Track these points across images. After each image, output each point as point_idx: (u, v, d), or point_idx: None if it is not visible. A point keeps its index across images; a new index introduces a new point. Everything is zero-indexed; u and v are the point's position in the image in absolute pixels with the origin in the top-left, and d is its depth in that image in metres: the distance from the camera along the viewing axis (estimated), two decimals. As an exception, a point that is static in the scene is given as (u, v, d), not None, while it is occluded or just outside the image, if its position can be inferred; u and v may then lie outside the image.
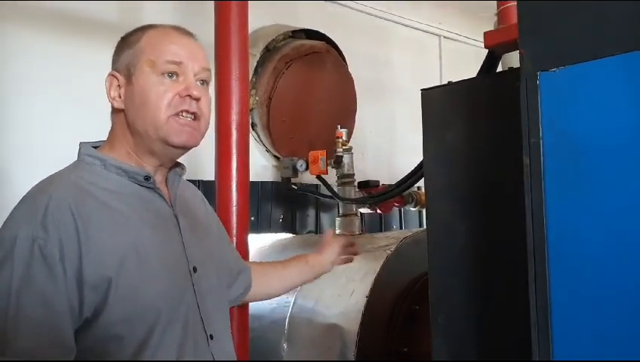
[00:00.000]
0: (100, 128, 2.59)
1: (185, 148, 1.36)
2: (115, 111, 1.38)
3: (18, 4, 2.48)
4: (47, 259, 1.15)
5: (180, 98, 1.31)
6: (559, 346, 1.18)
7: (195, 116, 1.34)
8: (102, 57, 2.64)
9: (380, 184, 3.17)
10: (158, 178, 1.39)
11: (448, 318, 1.49)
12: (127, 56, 1.35)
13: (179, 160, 1.46)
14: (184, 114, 1.32)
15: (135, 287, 1.22)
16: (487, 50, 1.74)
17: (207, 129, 1.40)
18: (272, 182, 3.35)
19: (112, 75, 1.36)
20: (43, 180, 1.28)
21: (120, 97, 1.35)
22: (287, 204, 3.39)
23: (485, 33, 1.76)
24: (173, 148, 1.34)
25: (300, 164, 3.10)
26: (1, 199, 2.32)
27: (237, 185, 2.20)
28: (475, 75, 1.69)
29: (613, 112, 1.12)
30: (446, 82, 1.54)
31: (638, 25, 1.09)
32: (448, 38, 4.36)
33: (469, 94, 1.47)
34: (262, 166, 3.35)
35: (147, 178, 1.33)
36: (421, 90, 1.56)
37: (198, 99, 1.33)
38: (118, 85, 1.35)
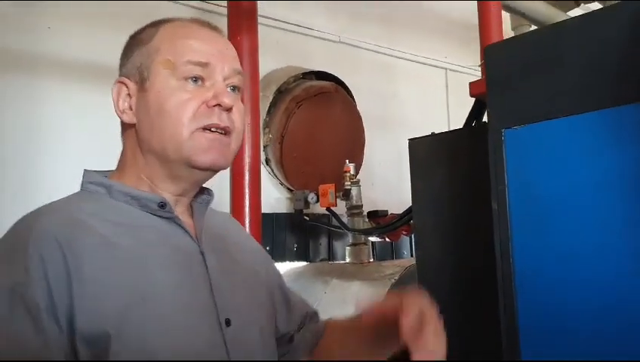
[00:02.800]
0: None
1: (213, 170, 1.09)
2: (125, 128, 1.11)
3: (51, 59, 2.74)
4: (32, 310, 0.89)
5: (208, 108, 1.04)
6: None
7: (226, 131, 1.06)
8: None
9: (389, 213, 3.35)
10: (180, 208, 1.11)
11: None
12: (138, 57, 1.08)
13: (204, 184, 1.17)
14: (212, 129, 1.04)
15: (142, 344, 0.95)
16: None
17: (239, 146, 1.12)
18: (285, 213, 3.56)
19: (120, 83, 1.09)
20: (30, 212, 1.02)
21: (131, 109, 1.07)
22: (300, 234, 3.58)
23: (470, 83, 1.96)
24: (199, 171, 1.06)
25: (311, 197, 3.30)
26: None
27: (250, 221, 2.41)
28: (465, 118, 1.89)
29: (564, 165, 1.31)
30: (429, 133, 1.73)
31: (584, 92, 1.28)
32: (454, 70, 4.56)
33: (449, 144, 1.66)
34: (276, 198, 3.56)
35: (162, 205, 1.05)
36: (408, 139, 1.76)
37: (229, 110, 1.05)
38: (128, 94, 1.07)
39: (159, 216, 1.05)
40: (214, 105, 1.04)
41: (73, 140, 2.76)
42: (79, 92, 2.80)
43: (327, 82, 3.54)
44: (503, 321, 1.38)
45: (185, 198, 1.11)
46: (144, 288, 0.97)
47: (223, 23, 2.83)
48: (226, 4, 2.82)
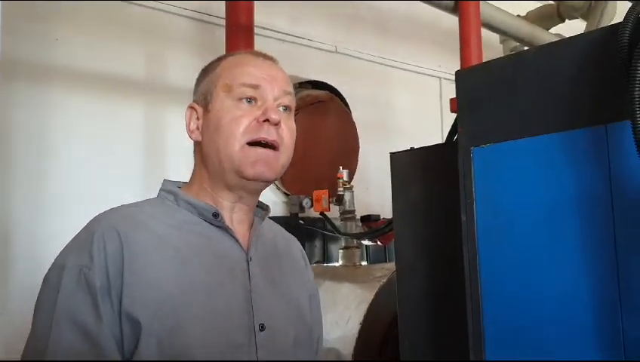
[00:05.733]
0: (127, 177, 2.98)
1: (261, 181, 1.20)
2: (195, 146, 1.27)
3: (59, 68, 2.88)
4: (91, 288, 1.05)
5: (258, 124, 1.17)
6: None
7: (275, 145, 1.18)
8: (130, 112, 3.08)
9: (382, 217, 3.48)
10: (238, 217, 1.24)
11: (412, 342, 1.81)
12: (204, 85, 1.25)
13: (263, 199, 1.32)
14: (262, 142, 1.17)
15: (172, 335, 1.06)
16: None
17: (288, 160, 1.24)
18: (282, 216, 3.69)
19: (191, 108, 1.25)
20: (104, 211, 1.20)
21: (198, 129, 1.23)
22: (296, 236, 3.70)
23: (451, 99, 2.10)
24: (248, 181, 1.18)
25: (306, 202, 3.43)
26: (37, 241, 2.69)
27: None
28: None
29: (524, 181, 1.44)
30: (409, 148, 1.87)
31: (541, 116, 1.41)
32: (447, 79, 4.69)
33: (427, 159, 1.80)
34: (273, 202, 3.69)
35: (215, 215, 1.18)
36: (390, 153, 1.89)
37: (277, 124, 1.17)
38: (197, 117, 1.24)
39: (213, 225, 1.19)
40: (264, 121, 1.17)
41: (79, 145, 2.90)
42: (85, 100, 2.95)
43: (323, 91, 3.68)
44: (470, 324, 1.51)
45: (243, 206, 1.24)
46: (183, 284, 1.10)
47: (221, 35, 2.97)
48: (224, 17, 2.96)
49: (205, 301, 1.11)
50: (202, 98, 1.24)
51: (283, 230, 1.46)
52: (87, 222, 1.17)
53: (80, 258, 1.08)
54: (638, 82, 1.14)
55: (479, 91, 1.54)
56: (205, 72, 1.28)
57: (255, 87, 1.20)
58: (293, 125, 1.25)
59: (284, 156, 1.21)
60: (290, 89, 1.26)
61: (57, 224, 2.72)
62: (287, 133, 1.21)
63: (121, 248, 1.08)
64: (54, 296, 1.06)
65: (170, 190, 1.24)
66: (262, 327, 1.15)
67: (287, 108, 1.23)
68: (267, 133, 1.17)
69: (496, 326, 1.48)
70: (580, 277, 1.34)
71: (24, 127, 2.77)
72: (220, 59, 1.28)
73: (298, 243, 1.48)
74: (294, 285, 1.31)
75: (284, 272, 1.29)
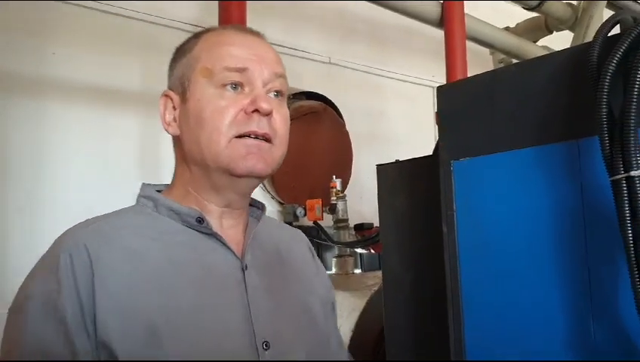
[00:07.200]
0: (123, 188, 3.03)
1: (253, 178, 1.04)
2: (174, 141, 1.10)
3: (55, 82, 2.94)
4: (62, 317, 0.90)
5: (246, 115, 1.00)
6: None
7: (267, 138, 1.02)
8: (126, 123, 3.13)
9: (374, 226, 3.54)
10: (229, 222, 1.08)
11: (399, 349, 1.85)
12: (180, 68, 1.07)
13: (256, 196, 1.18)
14: (252, 136, 1.01)
15: None
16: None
17: (283, 153, 1.07)
18: (276, 225, 3.74)
19: (166, 96, 1.07)
20: (73, 225, 1.05)
21: (175, 121, 1.06)
22: (291, 245, 3.75)
23: (436, 113, 2.15)
24: (239, 179, 1.02)
25: (299, 211, 3.49)
26: (34, 253, 2.73)
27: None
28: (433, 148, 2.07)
29: (502, 194, 1.49)
30: (394, 160, 1.92)
31: (517, 131, 1.46)
32: (442, 89, 4.74)
33: (411, 171, 1.85)
34: (267, 211, 3.73)
35: (200, 220, 1.03)
36: (376, 165, 1.94)
37: (268, 114, 1.01)
38: (173, 106, 1.06)
39: (200, 232, 1.04)
40: (253, 112, 1.01)
41: (75, 157, 2.96)
42: (81, 113, 3.01)
43: (317, 102, 3.74)
44: (452, 329, 1.56)
45: (234, 210, 1.09)
46: (169, 308, 0.94)
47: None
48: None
49: (195, 328, 0.95)
50: (178, 84, 1.06)
51: (286, 227, 1.32)
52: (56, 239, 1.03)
53: (46, 283, 0.93)
54: (604, 101, 1.19)
55: (459, 106, 1.58)
56: (181, 52, 1.09)
57: (241, 70, 1.02)
58: (287, 112, 1.08)
59: (278, 149, 1.05)
60: (282, 70, 1.08)
61: (54, 236, 2.76)
62: (280, 123, 1.04)
63: (90, 266, 0.93)
64: (20, 331, 0.91)
65: (149, 195, 1.07)
66: (266, 346, 0.99)
67: (278, 93, 1.07)
68: (257, 126, 1.01)
69: (476, 332, 1.53)
70: (554, 286, 1.38)
71: (19, 140, 2.83)
72: (197, 37, 1.09)
73: (304, 238, 1.30)
74: (302, 291, 1.15)
75: (288, 278, 1.14)
